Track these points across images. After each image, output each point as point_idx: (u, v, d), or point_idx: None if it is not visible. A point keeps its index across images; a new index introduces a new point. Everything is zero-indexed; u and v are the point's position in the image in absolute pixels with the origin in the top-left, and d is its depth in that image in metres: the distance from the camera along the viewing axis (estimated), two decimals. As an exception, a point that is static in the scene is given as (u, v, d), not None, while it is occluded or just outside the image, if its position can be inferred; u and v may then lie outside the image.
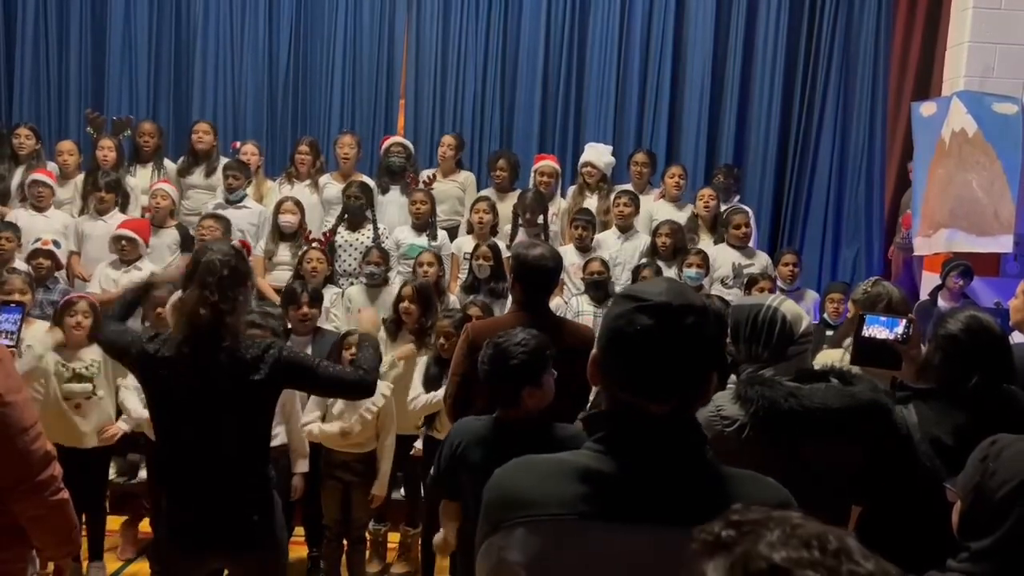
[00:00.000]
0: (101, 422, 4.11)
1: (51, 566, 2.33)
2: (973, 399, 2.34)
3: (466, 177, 6.41)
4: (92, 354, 4.08)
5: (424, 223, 5.70)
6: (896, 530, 2.20)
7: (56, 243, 5.11)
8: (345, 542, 4.12)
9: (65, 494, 2.18)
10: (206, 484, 2.53)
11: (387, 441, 4.08)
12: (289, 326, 4.35)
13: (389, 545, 4.54)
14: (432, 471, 2.74)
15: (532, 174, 6.27)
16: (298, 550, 4.33)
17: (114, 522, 4.47)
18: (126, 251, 5.20)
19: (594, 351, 1.35)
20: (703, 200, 6.06)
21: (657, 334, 1.24)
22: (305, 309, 4.31)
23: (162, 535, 2.68)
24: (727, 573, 0.78)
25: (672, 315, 1.25)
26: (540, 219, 5.80)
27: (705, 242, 5.88)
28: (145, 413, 3.83)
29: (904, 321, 2.57)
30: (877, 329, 2.59)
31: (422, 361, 4.28)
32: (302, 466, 3.97)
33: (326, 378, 2.63)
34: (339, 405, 3.95)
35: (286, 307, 4.36)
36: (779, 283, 5.62)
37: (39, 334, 4.08)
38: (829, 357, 3.08)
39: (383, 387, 4.06)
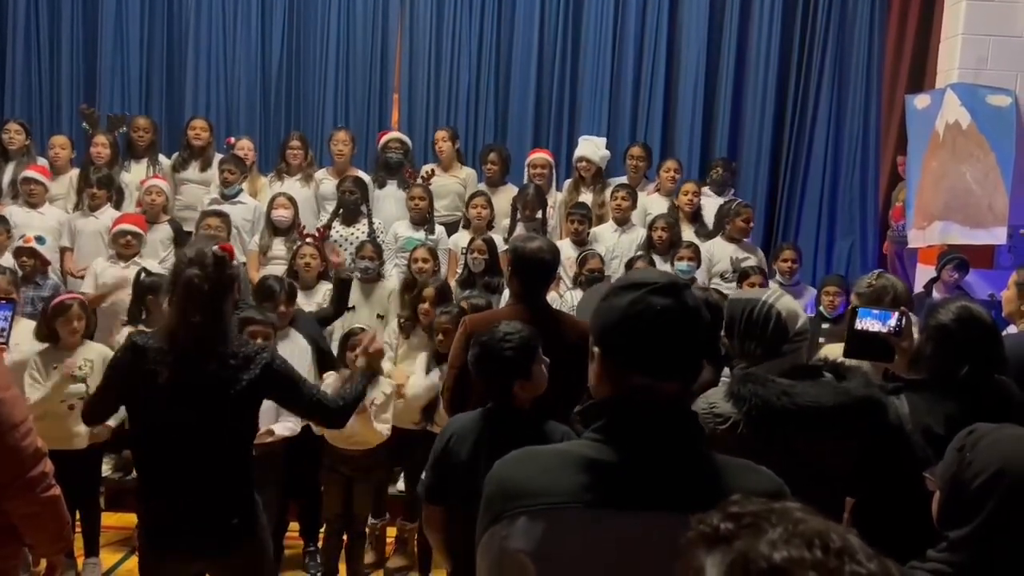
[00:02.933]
0: None
1: (43, 563, 2.32)
2: (964, 389, 2.34)
3: (468, 174, 6.39)
4: (87, 354, 4.05)
5: (422, 218, 5.69)
6: (890, 521, 2.21)
7: (40, 239, 5.07)
8: (345, 537, 4.11)
9: (57, 491, 2.18)
10: (187, 487, 2.49)
11: (380, 427, 4.00)
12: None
13: (386, 539, 4.53)
14: (423, 478, 2.65)
15: (525, 168, 6.26)
16: (291, 545, 4.34)
17: (107, 518, 4.46)
18: (131, 246, 5.17)
19: (595, 348, 1.38)
20: (687, 195, 6.07)
21: (676, 310, 1.31)
22: (283, 308, 4.32)
23: (143, 542, 2.63)
24: (726, 570, 0.76)
25: (682, 292, 1.33)
26: (539, 214, 5.80)
27: (687, 235, 5.88)
28: None
29: (896, 314, 2.58)
30: (870, 322, 2.59)
31: (421, 357, 4.28)
32: (280, 430, 3.85)
33: (308, 399, 2.63)
34: None
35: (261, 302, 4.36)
36: (778, 278, 5.62)
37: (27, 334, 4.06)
38: (831, 351, 3.07)
39: (385, 383, 4.07)
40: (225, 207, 5.63)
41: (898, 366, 2.55)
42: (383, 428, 4.00)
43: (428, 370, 4.15)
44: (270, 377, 2.53)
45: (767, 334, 2.23)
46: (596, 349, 1.39)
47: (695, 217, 6.09)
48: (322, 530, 4.37)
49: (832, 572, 0.72)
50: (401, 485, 4.60)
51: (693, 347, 1.34)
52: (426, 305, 4.42)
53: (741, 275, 5.42)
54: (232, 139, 6.44)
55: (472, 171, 6.45)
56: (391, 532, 4.52)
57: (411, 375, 4.25)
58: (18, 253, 4.95)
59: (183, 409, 2.45)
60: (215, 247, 2.47)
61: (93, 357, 4.05)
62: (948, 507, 1.60)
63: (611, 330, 1.35)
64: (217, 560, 2.59)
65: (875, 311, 2.63)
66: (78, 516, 4.00)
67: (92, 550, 4.19)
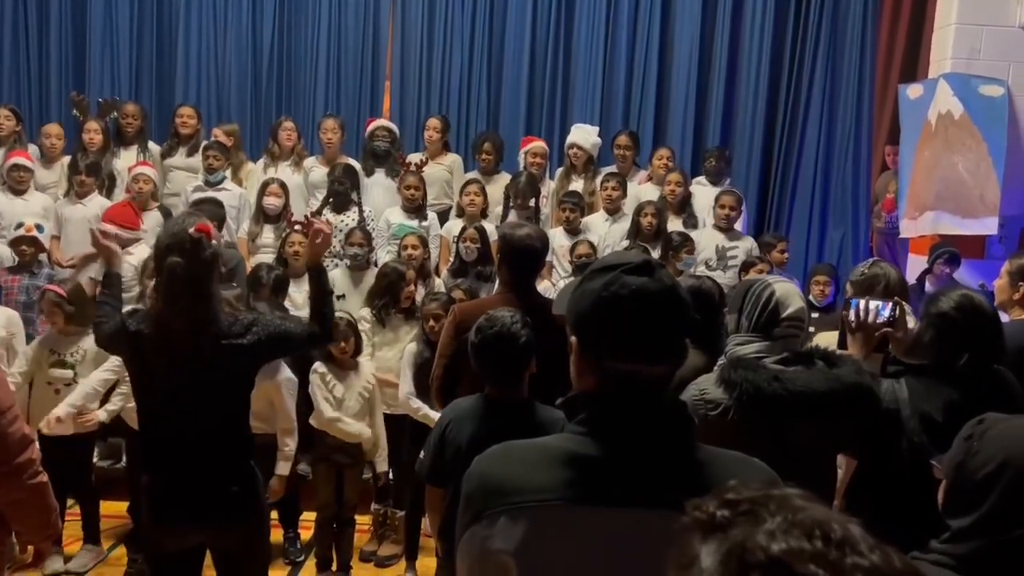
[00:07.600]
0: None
1: (30, 550, 2.31)
2: (964, 377, 2.34)
3: (453, 160, 6.35)
4: (81, 342, 4.06)
5: (416, 207, 5.66)
6: (882, 506, 2.22)
7: (39, 227, 5.05)
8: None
9: (44, 477, 2.17)
10: (187, 459, 2.54)
11: (377, 419, 4.13)
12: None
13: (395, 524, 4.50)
14: (421, 457, 2.71)
15: (523, 156, 6.21)
16: (274, 533, 4.31)
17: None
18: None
19: (573, 338, 1.32)
20: (670, 185, 6.03)
21: (652, 289, 1.26)
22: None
23: (144, 514, 2.68)
24: (722, 560, 0.73)
25: (656, 270, 1.28)
26: (532, 202, 5.77)
27: (674, 225, 5.86)
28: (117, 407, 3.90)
29: (890, 304, 2.57)
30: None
31: (411, 347, 4.25)
32: (283, 468, 3.87)
33: (301, 340, 2.70)
34: (340, 388, 3.98)
35: (249, 292, 4.34)
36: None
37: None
38: (824, 340, 3.07)
39: (369, 371, 4.06)
40: (209, 194, 5.59)
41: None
42: (363, 429, 4.05)
43: (420, 358, 4.09)
44: (267, 343, 2.58)
45: (756, 310, 2.26)
46: (574, 339, 1.32)
47: (682, 207, 6.06)
48: (301, 518, 4.37)
49: (832, 564, 0.69)
50: (392, 473, 4.58)
51: (673, 326, 1.28)
52: (411, 287, 4.39)
53: (746, 263, 5.42)
54: (216, 130, 6.39)
55: (457, 157, 6.40)
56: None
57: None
58: (18, 242, 4.90)
59: (181, 389, 2.51)
60: (191, 228, 2.50)
61: (87, 347, 4.04)
62: (953, 496, 1.58)
63: (587, 315, 1.29)
64: (218, 530, 2.62)
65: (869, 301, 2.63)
66: (68, 504, 3.98)
67: (90, 537, 4.15)
